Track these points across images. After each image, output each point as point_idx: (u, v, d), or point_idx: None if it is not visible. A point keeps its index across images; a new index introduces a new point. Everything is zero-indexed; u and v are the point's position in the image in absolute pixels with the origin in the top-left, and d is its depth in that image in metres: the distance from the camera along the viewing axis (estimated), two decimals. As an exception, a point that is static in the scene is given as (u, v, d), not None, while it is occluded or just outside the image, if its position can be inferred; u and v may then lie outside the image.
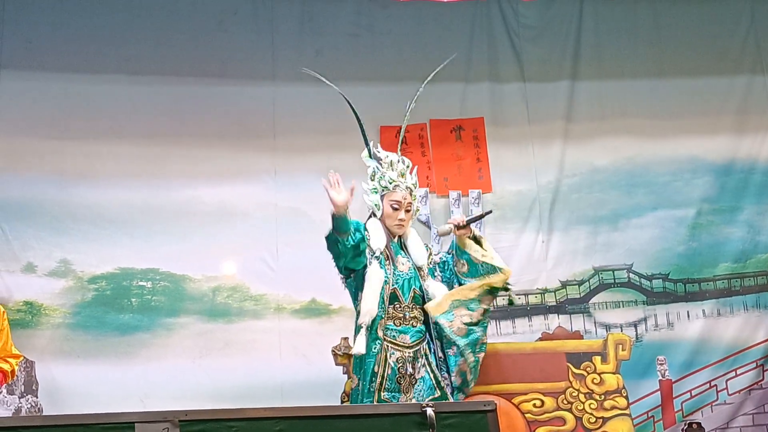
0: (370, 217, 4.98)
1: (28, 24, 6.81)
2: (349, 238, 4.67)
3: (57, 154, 6.71)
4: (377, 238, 4.83)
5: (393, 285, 4.79)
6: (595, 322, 7.05)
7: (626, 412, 6.66)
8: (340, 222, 4.67)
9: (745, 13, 7.55)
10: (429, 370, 4.70)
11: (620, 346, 6.87)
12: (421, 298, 4.83)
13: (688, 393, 6.87)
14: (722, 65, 7.56)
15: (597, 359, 6.73)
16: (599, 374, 6.71)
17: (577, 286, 7.08)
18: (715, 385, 6.90)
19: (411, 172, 5.03)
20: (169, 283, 6.68)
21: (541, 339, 6.84)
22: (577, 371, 6.69)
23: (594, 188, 7.29)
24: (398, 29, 7.18)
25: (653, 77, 7.48)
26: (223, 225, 6.82)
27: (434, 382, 4.72)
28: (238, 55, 7.08)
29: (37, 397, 6.29)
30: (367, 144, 4.98)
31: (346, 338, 6.58)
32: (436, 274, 5.08)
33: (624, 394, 6.67)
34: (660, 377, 6.84)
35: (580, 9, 7.38)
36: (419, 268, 4.94)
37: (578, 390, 6.66)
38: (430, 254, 5.15)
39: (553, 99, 7.34)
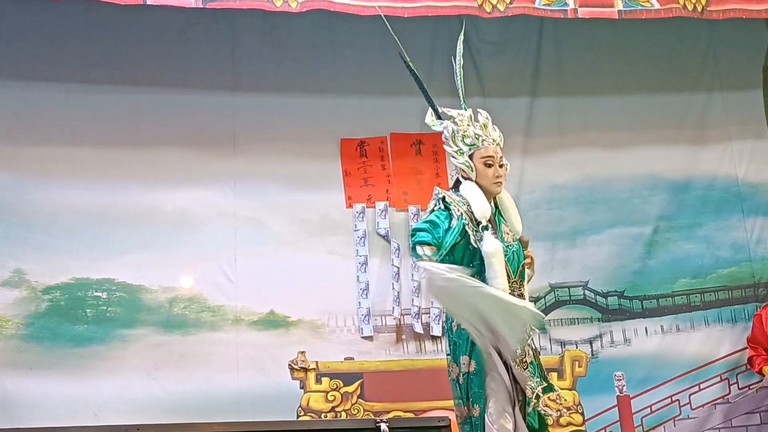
0: (456, 184, 4.39)
1: (-14, 32, 6.74)
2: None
3: (13, 161, 6.62)
4: (480, 203, 4.18)
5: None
6: (550, 339, 7.05)
7: (582, 428, 6.69)
8: None
9: (703, 32, 7.64)
10: (533, 355, 4.22)
11: (576, 362, 6.91)
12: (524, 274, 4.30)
13: (649, 408, 6.89)
14: (682, 83, 7.65)
15: (553, 375, 6.75)
16: (555, 391, 6.74)
17: (533, 303, 7.08)
18: (678, 399, 6.94)
19: (492, 124, 4.48)
20: (124, 294, 6.60)
21: (498, 355, 6.84)
22: (533, 387, 6.71)
23: (552, 205, 7.31)
24: (360, 42, 7.18)
25: (613, 94, 7.55)
26: (181, 235, 6.77)
27: (539, 369, 4.26)
28: (198, 65, 7.05)
29: (-12, 409, 6.19)
30: (432, 105, 4.47)
31: (303, 352, 6.56)
32: None
33: (580, 411, 6.70)
34: (618, 393, 6.85)
35: (540, 26, 7.42)
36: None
37: (534, 406, 6.67)
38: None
39: (513, 115, 7.36)
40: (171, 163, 6.84)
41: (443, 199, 4.22)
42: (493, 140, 4.33)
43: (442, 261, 4.01)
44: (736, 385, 7.02)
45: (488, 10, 6.40)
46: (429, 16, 6.42)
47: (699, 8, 6.53)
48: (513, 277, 4.15)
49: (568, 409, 6.70)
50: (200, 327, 6.65)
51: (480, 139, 4.30)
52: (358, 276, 6.88)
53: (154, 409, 6.20)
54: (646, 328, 7.14)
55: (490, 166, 4.26)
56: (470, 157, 4.29)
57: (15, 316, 6.40)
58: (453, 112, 4.38)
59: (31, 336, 6.39)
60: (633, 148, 7.46)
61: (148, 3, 5.93)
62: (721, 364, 7.08)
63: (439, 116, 4.44)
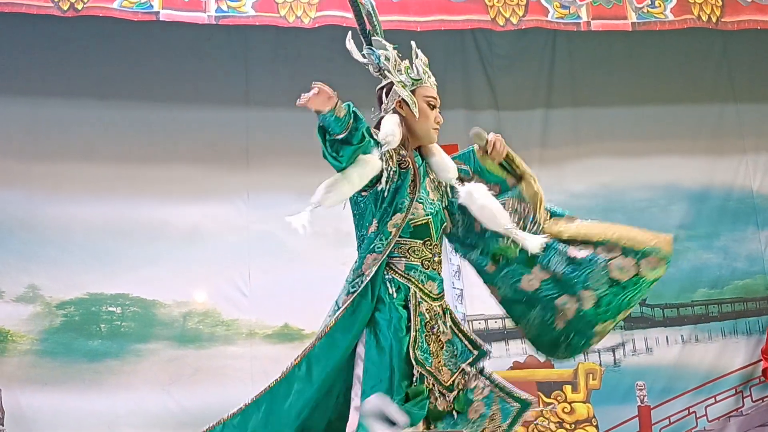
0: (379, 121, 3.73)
1: (-3, 47, 6.78)
2: (353, 132, 3.43)
3: (26, 177, 6.65)
4: (394, 129, 3.57)
5: (426, 215, 3.61)
6: (573, 347, 7.02)
7: (596, 442, 6.65)
8: (332, 119, 3.45)
9: (717, 43, 7.61)
10: (457, 330, 3.58)
11: (591, 375, 6.86)
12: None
13: (667, 420, 6.84)
14: (695, 94, 7.62)
15: (567, 388, 6.71)
16: (569, 403, 6.69)
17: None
18: (694, 411, 6.89)
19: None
20: (139, 309, 6.61)
21: (512, 368, 6.81)
22: (547, 400, 6.68)
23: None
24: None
25: (627, 105, 7.52)
26: (195, 249, 6.77)
27: (466, 341, 3.59)
28: (211, 80, 7.06)
29: (3, 426, 6.17)
30: (363, 30, 3.87)
31: (317, 366, 6.53)
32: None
33: (594, 423, 6.65)
34: (639, 403, 6.81)
35: (553, 39, 7.41)
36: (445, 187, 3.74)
37: (549, 419, 6.64)
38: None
39: (527, 127, 7.35)
40: (184, 177, 6.85)
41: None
42: (434, 83, 3.77)
43: None
44: (749, 397, 6.98)
45: (501, 24, 6.40)
46: (441, 30, 6.42)
47: (714, 19, 6.51)
48: (435, 239, 3.61)
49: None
50: (214, 341, 6.64)
51: (427, 75, 3.73)
52: (371, 288, 6.86)
53: (168, 424, 6.20)
54: (667, 337, 7.10)
55: (433, 107, 3.70)
56: (412, 92, 3.69)
57: (29, 332, 6.42)
58: (390, 47, 3.78)
59: (46, 351, 6.41)
60: (649, 157, 7.44)
61: (161, 19, 5.95)
62: (735, 377, 7.04)
63: (369, 42, 3.83)
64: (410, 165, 3.61)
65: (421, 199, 3.60)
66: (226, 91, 7.05)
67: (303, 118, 7.29)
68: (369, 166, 3.50)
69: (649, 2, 6.50)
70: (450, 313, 3.61)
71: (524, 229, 3.64)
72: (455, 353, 3.56)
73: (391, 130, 3.56)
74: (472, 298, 6.86)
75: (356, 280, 3.55)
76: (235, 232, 6.85)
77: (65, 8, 5.90)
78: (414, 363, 3.36)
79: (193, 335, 6.63)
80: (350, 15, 6.13)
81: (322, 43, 7.08)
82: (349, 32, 3.85)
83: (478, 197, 3.62)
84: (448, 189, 3.76)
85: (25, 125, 6.75)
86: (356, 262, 3.61)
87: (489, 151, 3.73)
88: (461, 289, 6.78)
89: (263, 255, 6.81)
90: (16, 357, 6.36)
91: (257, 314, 6.73)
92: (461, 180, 3.73)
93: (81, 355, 6.43)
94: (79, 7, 5.91)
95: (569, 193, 7.29)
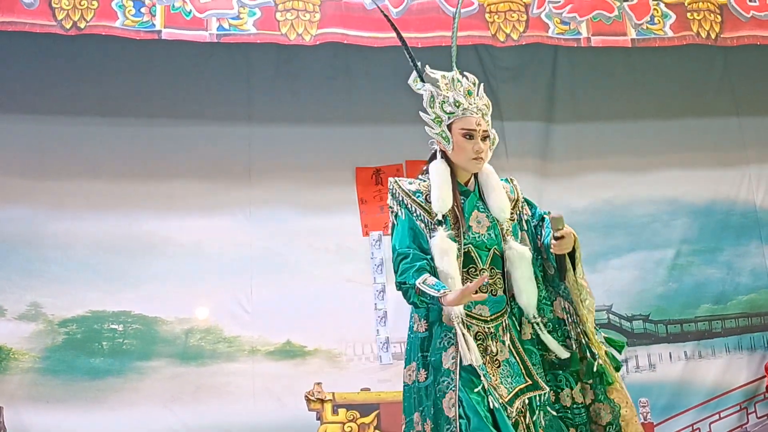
0: (431, 159, 3.83)
1: (1, 65, 6.79)
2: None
3: (29, 195, 6.68)
4: (437, 196, 3.64)
5: (465, 245, 3.65)
6: (576, 364, 7.00)
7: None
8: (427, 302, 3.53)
9: (718, 58, 7.62)
10: (514, 351, 3.62)
11: (592, 393, 6.83)
12: (502, 260, 3.69)
13: (671, 437, 6.82)
14: (697, 109, 7.63)
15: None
16: (573, 420, 6.66)
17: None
18: (698, 428, 6.86)
19: (479, 91, 3.82)
20: (140, 326, 6.60)
21: (514, 385, 6.78)
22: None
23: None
24: (374, 72, 7.20)
25: (629, 119, 7.54)
26: (197, 265, 6.78)
27: (522, 367, 3.61)
28: (214, 97, 7.09)
29: (5, 443, 6.20)
30: (415, 65, 3.82)
31: (319, 383, 6.52)
32: (520, 234, 3.88)
33: (595, 442, 6.62)
34: (642, 420, 6.77)
35: (554, 53, 7.43)
36: (500, 224, 3.76)
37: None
38: (518, 201, 3.97)
39: (530, 140, 7.38)
40: (187, 194, 6.88)
41: (394, 195, 3.79)
42: (477, 109, 3.73)
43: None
44: (754, 414, 6.95)
45: (502, 40, 6.41)
46: (443, 45, 6.43)
47: (713, 35, 6.52)
48: (482, 264, 3.63)
49: None
50: (216, 358, 6.64)
51: (461, 107, 3.70)
52: (375, 304, 6.86)
53: (170, 442, 6.20)
54: (670, 354, 7.09)
55: (470, 138, 3.67)
56: (449, 126, 3.71)
57: (31, 350, 6.42)
58: (437, 74, 3.80)
59: (48, 369, 6.40)
60: (651, 172, 7.45)
61: (163, 37, 5.98)
62: (740, 393, 7.02)
63: (422, 78, 3.83)
64: (450, 207, 3.67)
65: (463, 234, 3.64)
66: (228, 108, 7.08)
67: (305, 134, 7.36)
68: (448, 255, 3.57)
69: (649, 19, 6.51)
70: (511, 333, 3.63)
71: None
72: (511, 374, 3.56)
73: (436, 202, 3.64)
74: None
75: (449, 334, 3.54)
76: (238, 248, 6.86)
77: (68, 27, 5.92)
78: (480, 372, 3.40)
79: (195, 352, 6.63)
80: (351, 32, 6.21)
81: (324, 60, 7.12)
82: (413, 73, 3.85)
83: (518, 266, 3.70)
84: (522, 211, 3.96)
85: (28, 143, 6.78)
86: (423, 311, 3.63)
87: (556, 240, 3.74)
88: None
89: (265, 271, 6.83)
90: (18, 375, 6.36)
91: (259, 331, 6.73)
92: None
93: (83, 372, 6.43)
94: (82, 25, 5.93)
95: (571, 209, 7.27)
